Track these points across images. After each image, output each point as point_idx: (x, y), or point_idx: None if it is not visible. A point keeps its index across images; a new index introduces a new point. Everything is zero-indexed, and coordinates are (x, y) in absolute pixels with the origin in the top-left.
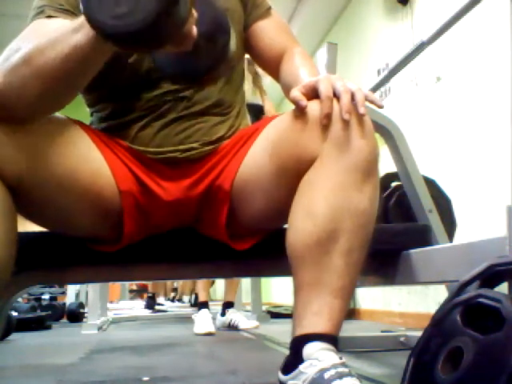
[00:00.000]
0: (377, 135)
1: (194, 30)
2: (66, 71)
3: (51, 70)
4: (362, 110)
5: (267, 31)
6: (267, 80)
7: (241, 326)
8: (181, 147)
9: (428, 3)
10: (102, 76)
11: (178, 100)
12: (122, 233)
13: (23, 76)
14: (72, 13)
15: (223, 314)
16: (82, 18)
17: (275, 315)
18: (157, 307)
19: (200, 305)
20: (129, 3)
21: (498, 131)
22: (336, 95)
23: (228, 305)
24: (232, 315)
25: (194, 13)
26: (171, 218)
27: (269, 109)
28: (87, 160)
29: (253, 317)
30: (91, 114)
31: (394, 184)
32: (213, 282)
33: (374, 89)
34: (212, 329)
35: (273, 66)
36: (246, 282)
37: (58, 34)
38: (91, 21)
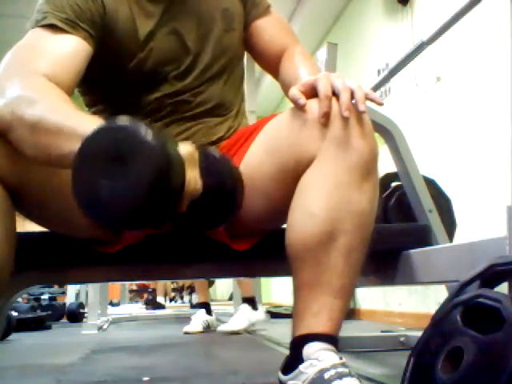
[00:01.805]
0: (377, 135)
1: (195, 192)
2: (67, 159)
3: (52, 150)
4: (362, 108)
5: (267, 29)
6: (267, 79)
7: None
8: None
9: (428, 3)
10: (101, 79)
11: (178, 103)
12: (122, 233)
13: (31, 139)
14: (78, 25)
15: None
16: (89, 127)
17: (275, 315)
18: (158, 311)
19: (198, 305)
20: (112, 188)
21: (498, 131)
22: (335, 93)
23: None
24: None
25: (197, 182)
26: None
27: None
28: None
29: None
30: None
31: (393, 184)
32: (212, 282)
33: (374, 89)
34: (197, 329)
35: (272, 65)
36: None
37: (67, 123)
38: (76, 200)
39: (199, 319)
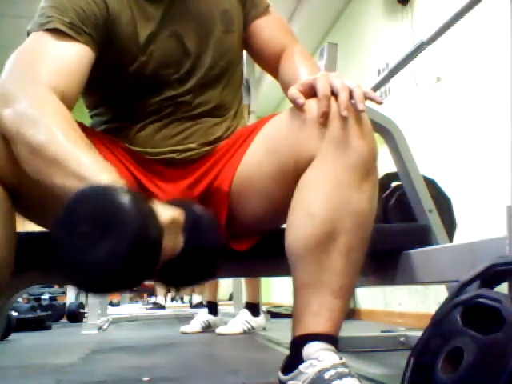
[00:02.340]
0: (377, 135)
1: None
2: (59, 190)
3: (47, 177)
4: (361, 107)
5: (266, 29)
6: (267, 79)
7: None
8: (178, 148)
9: (428, 3)
10: (102, 82)
11: (178, 104)
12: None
13: (30, 160)
14: (82, 30)
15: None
16: (83, 167)
17: (275, 315)
18: (158, 311)
19: (206, 304)
20: (89, 254)
21: (498, 131)
22: (334, 93)
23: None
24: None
25: (175, 245)
26: None
27: None
28: None
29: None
30: (91, 117)
31: (393, 184)
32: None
33: (374, 89)
34: (195, 329)
35: (272, 64)
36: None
37: (63, 157)
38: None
39: (199, 319)
